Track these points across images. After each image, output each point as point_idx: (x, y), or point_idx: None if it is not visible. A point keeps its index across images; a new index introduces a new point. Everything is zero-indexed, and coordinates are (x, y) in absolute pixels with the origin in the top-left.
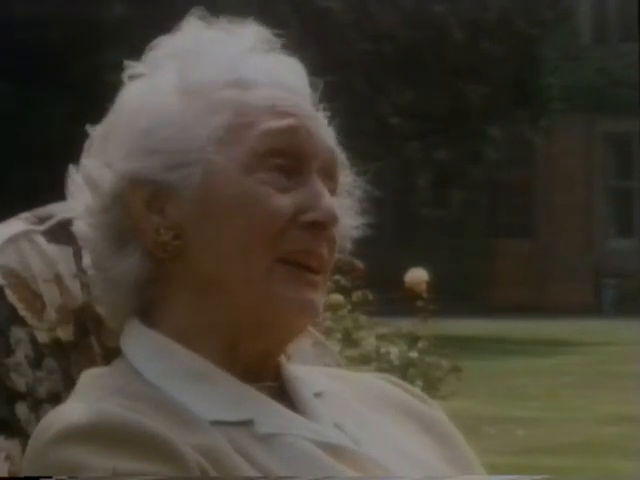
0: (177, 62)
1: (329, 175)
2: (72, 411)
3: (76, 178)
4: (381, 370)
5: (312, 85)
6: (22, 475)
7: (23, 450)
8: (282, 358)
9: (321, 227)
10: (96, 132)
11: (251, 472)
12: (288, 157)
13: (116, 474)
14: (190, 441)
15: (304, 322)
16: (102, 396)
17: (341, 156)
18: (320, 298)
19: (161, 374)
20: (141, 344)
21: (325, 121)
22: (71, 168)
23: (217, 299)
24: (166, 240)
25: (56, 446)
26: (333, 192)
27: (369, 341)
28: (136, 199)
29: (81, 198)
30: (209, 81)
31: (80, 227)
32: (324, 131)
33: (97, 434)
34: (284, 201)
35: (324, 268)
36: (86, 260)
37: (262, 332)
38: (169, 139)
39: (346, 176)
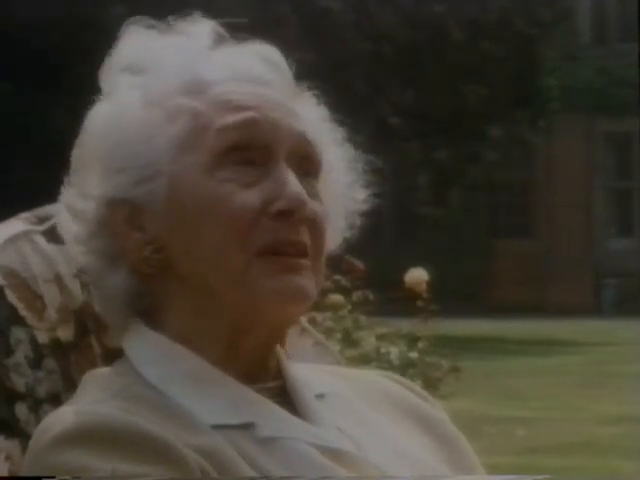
0: (135, 76)
1: (303, 157)
2: (72, 414)
3: (62, 210)
4: (381, 370)
5: (290, 65)
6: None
7: (23, 450)
8: (283, 357)
9: (289, 214)
10: (72, 159)
11: (252, 475)
12: (250, 149)
13: (115, 476)
14: (191, 443)
15: (294, 308)
16: (103, 398)
17: (333, 134)
18: (309, 281)
19: (163, 377)
20: (144, 346)
21: (304, 100)
22: (59, 200)
23: (209, 302)
24: (147, 255)
25: (56, 449)
26: (313, 172)
27: (369, 341)
28: (117, 220)
29: (70, 228)
30: (167, 89)
31: (76, 252)
32: (293, 116)
33: (97, 437)
34: (249, 196)
35: (309, 252)
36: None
37: (256, 325)
38: (133, 156)
39: (346, 151)
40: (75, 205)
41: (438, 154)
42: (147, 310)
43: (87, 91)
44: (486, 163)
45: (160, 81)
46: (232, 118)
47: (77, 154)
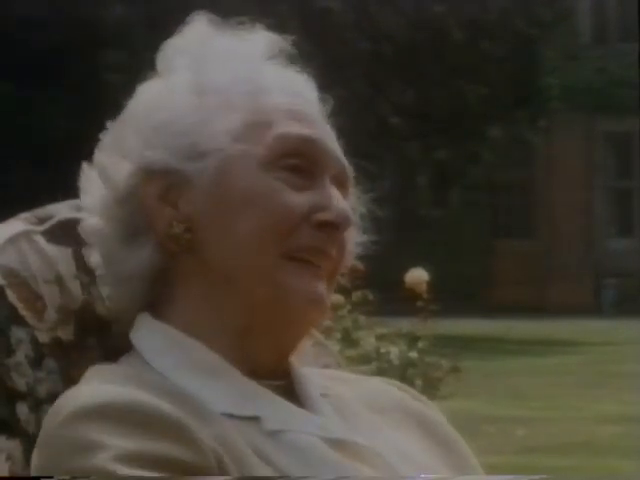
0: (192, 66)
1: (341, 185)
2: (86, 391)
3: (89, 173)
4: (381, 370)
5: (322, 100)
6: (34, 457)
7: (24, 450)
8: (292, 358)
9: (334, 227)
10: (111, 129)
11: (260, 464)
12: (303, 160)
13: (129, 456)
14: (203, 430)
15: (315, 315)
16: (114, 380)
17: (351, 173)
18: (327, 293)
19: (171, 367)
20: (152, 337)
21: (334, 136)
22: (84, 165)
23: (228, 292)
24: (178, 233)
25: (71, 425)
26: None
27: (369, 341)
28: (150, 191)
29: (94, 193)
30: (226, 84)
31: (91, 222)
32: (336, 145)
33: (112, 413)
34: (299, 199)
35: (331, 269)
36: (94, 258)
37: (274, 326)
38: (187, 132)
39: (351, 194)
40: (107, 168)
41: (438, 154)
42: (155, 301)
43: (87, 91)
44: (486, 163)
45: (216, 74)
46: (294, 129)
47: (121, 122)
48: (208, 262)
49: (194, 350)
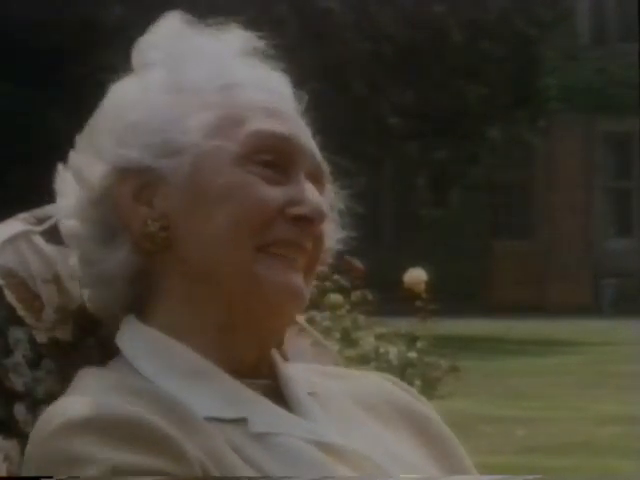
0: (167, 65)
1: (317, 180)
2: (73, 404)
3: (64, 176)
4: (380, 370)
5: (297, 98)
6: (22, 470)
7: (21, 450)
8: (276, 356)
9: (308, 222)
10: (85, 129)
11: (247, 473)
12: (278, 156)
13: (116, 470)
14: (189, 441)
15: (293, 306)
16: (101, 390)
17: (326, 170)
18: (305, 285)
19: (157, 371)
20: (136, 341)
21: (309, 132)
22: (59, 167)
23: (207, 289)
24: (153, 231)
25: (57, 438)
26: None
27: (368, 341)
28: (124, 190)
29: (70, 194)
30: (200, 82)
31: (68, 224)
32: (311, 141)
33: (98, 426)
34: (274, 192)
35: (308, 263)
36: (72, 260)
37: (254, 321)
38: (160, 130)
39: (329, 191)
40: (82, 169)
41: (438, 154)
42: (140, 302)
43: (87, 91)
44: (486, 163)
45: (191, 73)
46: (268, 126)
47: (95, 122)
48: (185, 259)
49: (178, 353)
